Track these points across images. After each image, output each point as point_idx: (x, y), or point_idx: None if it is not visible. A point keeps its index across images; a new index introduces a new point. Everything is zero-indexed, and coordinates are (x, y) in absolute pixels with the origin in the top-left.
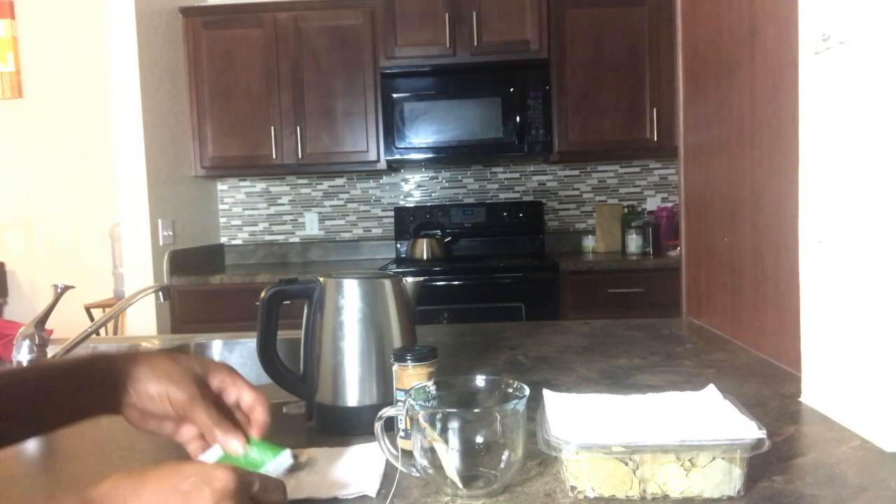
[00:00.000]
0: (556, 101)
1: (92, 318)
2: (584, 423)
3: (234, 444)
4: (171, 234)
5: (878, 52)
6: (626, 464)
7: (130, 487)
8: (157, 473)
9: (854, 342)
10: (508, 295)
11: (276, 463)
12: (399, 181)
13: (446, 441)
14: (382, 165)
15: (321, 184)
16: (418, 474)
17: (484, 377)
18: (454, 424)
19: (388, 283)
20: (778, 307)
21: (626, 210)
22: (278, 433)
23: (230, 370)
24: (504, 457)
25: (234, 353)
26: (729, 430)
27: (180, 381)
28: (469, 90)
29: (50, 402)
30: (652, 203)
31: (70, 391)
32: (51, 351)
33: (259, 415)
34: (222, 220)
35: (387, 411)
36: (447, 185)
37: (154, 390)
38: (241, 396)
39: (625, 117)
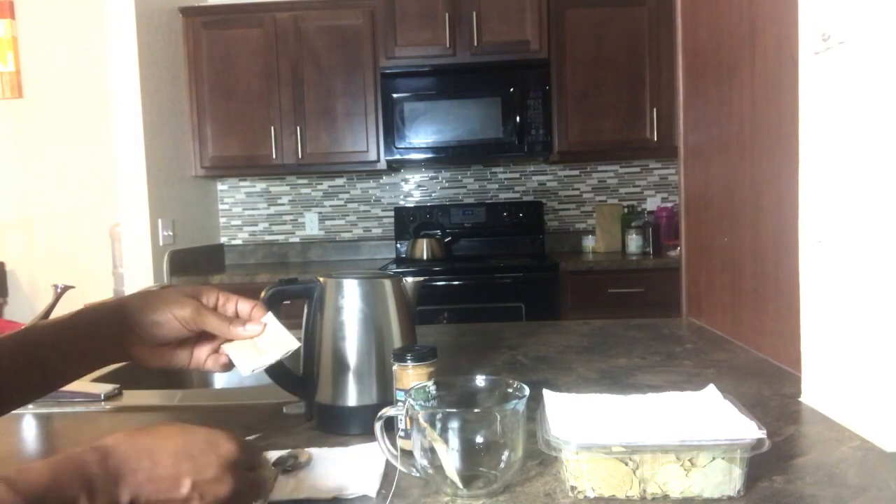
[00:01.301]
0: (556, 101)
1: None
2: (584, 423)
3: (252, 328)
4: (171, 234)
5: (878, 52)
6: (626, 464)
7: (145, 445)
8: (168, 433)
9: (854, 342)
10: (508, 295)
11: (284, 347)
12: (399, 181)
13: (446, 441)
14: (382, 165)
15: (321, 184)
16: (418, 474)
17: (484, 377)
18: (454, 424)
19: (388, 283)
20: (778, 307)
21: (626, 210)
22: (278, 433)
23: (219, 289)
24: (504, 457)
25: None
26: (729, 430)
27: (180, 301)
28: (469, 90)
29: (60, 355)
30: (652, 203)
31: (78, 339)
32: None
33: (259, 312)
34: (222, 220)
35: (387, 411)
36: (447, 185)
37: (160, 317)
38: (238, 306)
39: (625, 117)
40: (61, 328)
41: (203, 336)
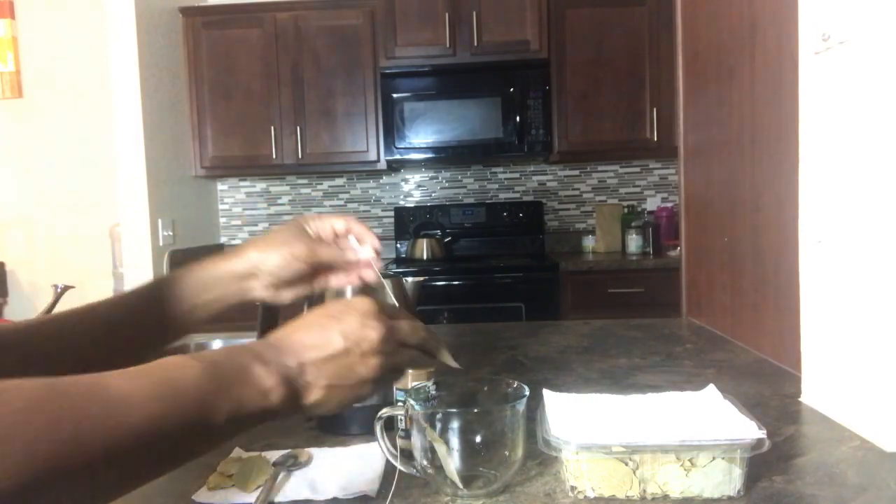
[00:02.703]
0: (556, 101)
1: None
2: (584, 423)
3: (366, 249)
4: (171, 234)
5: (878, 52)
6: (626, 464)
7: (289, 330)
8: (305, 317)
9: (854, 342)
10: (508, 295)
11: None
12: (399, 181)
13: (446, 441)
14: (382, 165)
15: (321, 184)
16: (418, 474)
17: (484, 377)
18: (454, 424)
19: (388, 284)
20: (778, 307)
21: (626, 210)
22: (278, 433)
23: (309, 216)
24: (504, 457)
25: None
26: (729, 430)
27: (291, 240)
28: (469, 90)
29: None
30: (652, 203)
31: (210, 289)
32: None
33: (356, 226)
34: (222, 220)
35: (387, 411)
36: (447, 185)
37: (279, 259)
38: (335, 226)
39: (625, 117)
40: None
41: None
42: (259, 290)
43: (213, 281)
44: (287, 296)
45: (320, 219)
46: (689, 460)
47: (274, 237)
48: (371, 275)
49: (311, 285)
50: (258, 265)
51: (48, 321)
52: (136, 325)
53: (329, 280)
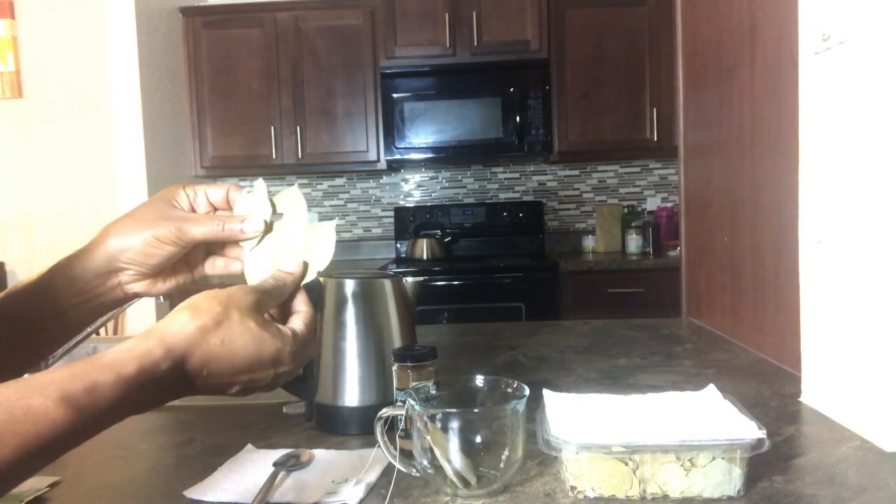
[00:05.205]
0: (556, 100)
1: None
2: (584, 423)
3: (252, 223)
4: None
5: (878, 52)
6: (626, 464)
7: (214, 353)
8: (241, 343)
9: (854, 342)
10: (508, 295)
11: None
12: (399, 181)
13: (446, 441)
14: (382, 165)
15: (321, 184)
16: (418, 474)
17: (484, 377)
18: (454, 424)
19: (388, 283)
20: (778, 307)
21: (626, 210)
22: (278, 433)
23: (181, 186)
24: (504, 457)
25: None
26: (729, 430)
27: (155, 219)
28: (469, 90)
29: (54, 312)
30: (652, 203)
31: (69, 289)
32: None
33: (234, 191)
34: None
35: (387, 411)
36: (447, 185)
37: (141, 245)
38: (209, 195)
39: (625, 117)
40: (39, 286)
41: (198, 249)
42: (129, 285)
43: (75, 283)
44: (164, 287)
45: (193, 188)
46: (689, 460)
47: (136, 216)
48: (249, 227)
49: (191, 272)
50: (118, 256)
51: None
52: (8, 337)
53: (208, 264)
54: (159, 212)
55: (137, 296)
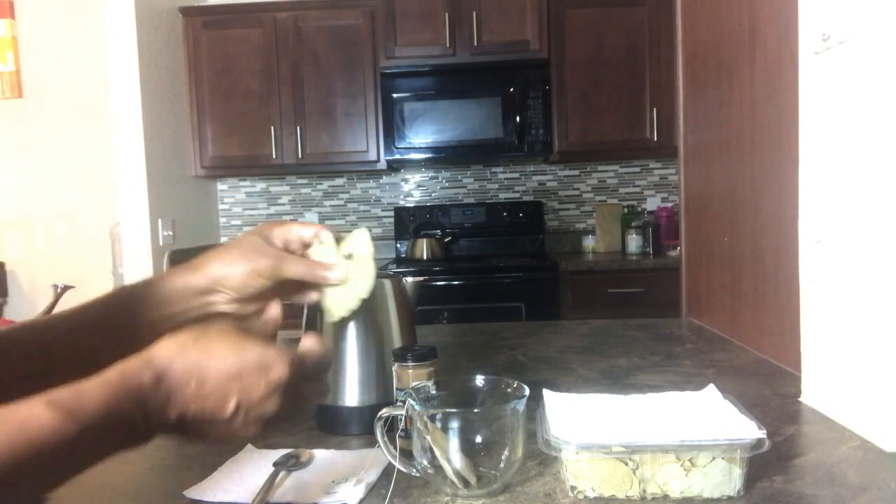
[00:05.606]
0: (556, 100)
1: None
2: (584, 423)
3: (337, 272)
4: (170, 234)
5: (878, 52)
6: (626, 464)
7: (197, 363)
8: (221, 350)
9: (854, 342)
10: (508, 295)
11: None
12: (399, 181)
13: (446, 441)
14: (382, 165)
15: (321, 184)
16: (418, 474)
17: (484, 377)
18: (454, 424)
19: (388, 283)
20: (778, 307)
21: (626, 210)
22: (278, 433)
23: (275, 222)
24: (504, 457)
25: None
26: (729, 430)
27: (254, 254)
28: (469, 90)
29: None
30: (652, 203)
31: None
32: None
33: (325, 233)
34: (222, 220)
35: (387, 411)
36: (447, 185)
37: (242, 276)
38: (302, 234)
39: (625, 117)
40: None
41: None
42: (222, 305)
43: (174, 295)
44: (252, 309)
45: (287, 227)
46: (689, 460)
47: (237, 249)
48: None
49: (275, 297)
50: (220, 281)
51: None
52: (100, 336)
53: (295, 297)
54: (258, 247)
55: (225, 315)
